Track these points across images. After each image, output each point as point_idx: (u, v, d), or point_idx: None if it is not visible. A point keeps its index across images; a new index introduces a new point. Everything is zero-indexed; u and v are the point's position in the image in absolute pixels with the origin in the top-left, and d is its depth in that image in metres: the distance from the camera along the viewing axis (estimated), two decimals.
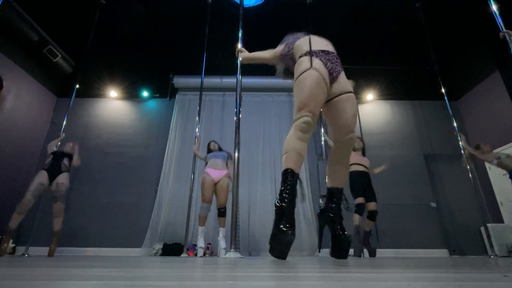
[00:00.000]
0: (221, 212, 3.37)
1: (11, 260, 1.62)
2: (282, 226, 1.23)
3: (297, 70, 1.50)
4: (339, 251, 1.46)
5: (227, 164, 3.60)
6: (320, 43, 1.61)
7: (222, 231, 3.32)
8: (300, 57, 1.55)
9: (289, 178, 1.29)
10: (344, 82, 1.52)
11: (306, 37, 1.65)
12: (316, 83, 1.40)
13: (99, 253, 4.43)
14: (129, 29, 4.82)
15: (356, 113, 1.51)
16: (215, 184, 3.43)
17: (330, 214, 1.52)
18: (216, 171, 3.45)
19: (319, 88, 1.40)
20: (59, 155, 3.45)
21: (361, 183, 3.45)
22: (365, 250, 3.45)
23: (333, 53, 1.57)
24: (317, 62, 1.47)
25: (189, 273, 0.70)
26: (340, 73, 1.52)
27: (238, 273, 0.72)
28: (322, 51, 1.53)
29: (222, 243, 3.27)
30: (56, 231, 3.14)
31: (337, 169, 1.53)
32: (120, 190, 4.89)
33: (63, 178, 3.29)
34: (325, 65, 1.49)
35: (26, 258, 2.46)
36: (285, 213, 1.24)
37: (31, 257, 2.91)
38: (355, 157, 3.63)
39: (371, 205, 3.36)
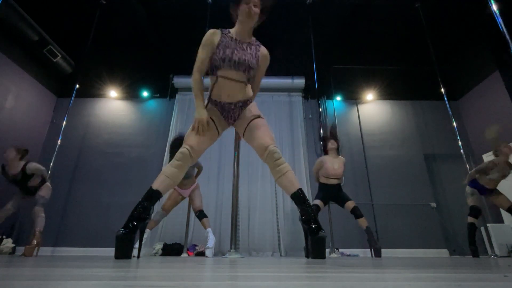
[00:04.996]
0: (198, 216, 3.30)
1: (11, 260, 1.62)
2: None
3: (196, 108, 1.72)
4: (315, 251, 1.46)
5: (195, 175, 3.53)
6: (225, 94, 1.70)
7: (206, 232, 3.27)
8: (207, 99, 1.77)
9: (147, 195, 1.60)
10: (247, 116, 1.72)
11: (213, 79, 1.74)
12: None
13: (99, 253, 4.43)
14: (129, 29, 4.82)
15: (264, 130, 1.66)
16: (183, 197, 3.40)
17: (302, 216, 1.55)
18: (185, 191, 3.39)
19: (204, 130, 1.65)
20: (21, 182, 3.08)
21: (331, 193, 3.50)
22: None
23: (232, 103, 1.70)
24: (211, 111, 1.73)
25: (189, 273, 0.70)
26: (238, 117, 1.75)
27: (238, 273, 0.72)
28: (220, 102, 1.72)
29: (208, 243, 3.24)
30: (35, 230, 3.08)
31: (282, 180, 1.59)
32: (120, 190, 4.89)
33: (40, 191, 3.14)
34: (221, 113, 1.74)
35: (26, 258, 2.46)
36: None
37: (31, 257, 2.91)
38: (327, 168, 3.48)
39: (348, 205, 3.37)
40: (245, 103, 1.74)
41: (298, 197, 1.55)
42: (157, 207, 4.65)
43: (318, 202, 3.40)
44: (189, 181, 3.40)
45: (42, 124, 5.23)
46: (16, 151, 3.09)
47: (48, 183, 3.30)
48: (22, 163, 3.09)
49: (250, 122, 1.69)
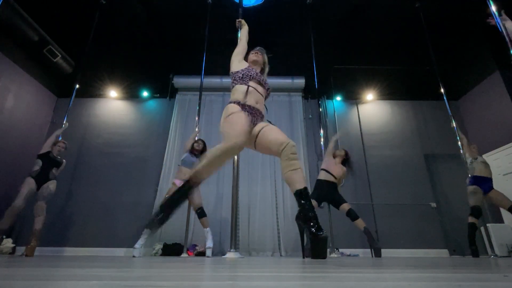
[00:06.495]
0: (199, 213, 3.34)
1: (11, 260, 1.62)
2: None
3: (227, 112, 1.76)
4: (316, 251, 1.46)
5: None
6: (252, 99, 1.85)
7: (206, 232, 3.31)
8: (231, 102, 1.84)
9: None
10: (259, 125, 1.81)
11: (244, 87, 1.88)
12: (245, 121, 1.72)
13: (99, 253, 4.43)
14: (129, 29, 4.82)
15: (280, 131, 1.75)
16: None
17: (302, 215, 1.55)
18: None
19: (247, 125, 1.72)
20: (48, 164, 3.48)
21: (326, 193, 3.50)
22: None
23: (259, 110, 1.87)
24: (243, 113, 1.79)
25: (189, 273, 0.70)
26: (258, 122, 1.84)
27: (238, 273, 0.72)
28: (249, 106, 1.82)
29: (208, 243, 3.26)
30: (36, 229, 3.13)
31: (291, 175, 1.61)
32: (120, 190, 4.89)
33: (50, 183, 3.38)
34: (247, 116, 1.80)
35: (26, 258, 2.46)
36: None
37: (31, 257, 2.91)
38: (329, 164, 3.62)
39: (344, 207, 3.38)
40: (263, 117, 1.93)
41: (302, 195, 1.56)
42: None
43: (345, 205, 3.40)
44: (188, 170, 3.43)
45: (42, 124, 5.23)
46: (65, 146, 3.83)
47: (55, 181, 3.52)
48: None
49: (263, 128, 1.77)
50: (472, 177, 3.64)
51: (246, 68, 1.97)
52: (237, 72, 1.96)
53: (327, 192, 3.50)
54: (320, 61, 4.70)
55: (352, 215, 3.32)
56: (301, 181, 1.59)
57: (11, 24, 4.10)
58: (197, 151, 3.66)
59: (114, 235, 4.58)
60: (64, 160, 3.74)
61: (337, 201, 3.45)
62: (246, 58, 2.15)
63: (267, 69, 2.17)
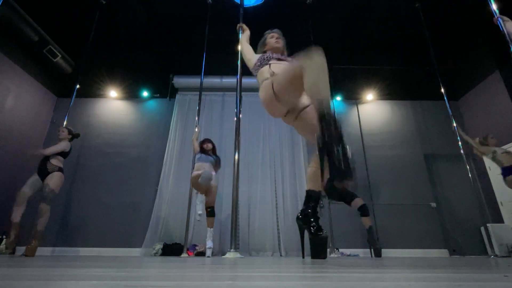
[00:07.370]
0: (209, 212, 3.39)
1: (11, 260, 1.62)
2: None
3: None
4: (316, 251, 1.46)
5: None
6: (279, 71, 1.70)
7: (210, 231, 3.34)
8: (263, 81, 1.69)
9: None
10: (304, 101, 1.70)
11: (266, 66, 1.74)
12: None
13: (99, 253, 4.43)
14: (129, 29, 4.82)
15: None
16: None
17: (302, 216, 1.55)
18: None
19: None
20: (45, 157, 3.33)
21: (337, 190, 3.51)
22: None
23: None
24: None
25: (189, 273, 0.70)
26: None
27: (238, 273, 0.72)
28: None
29: (208, 243, 3.28)
30: (37, 231, 3.08)
31: (315, 173, 1.54)
32: (120, 190, 4.89)
33: (48, 179, 3.19)
34: None
35: (26, 258, 2.46)
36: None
37: (31, 257, 2.90)
38: None
39: (357, 202, 3.38)
40: None
41: (313, 196, 1.54)
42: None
43: (358, 200, 3.38)
44: (207, 165, 3.56)
45: (42, 124, 5.23)
46: (68, 131, 3.52)
47: (61, 173, 3.32)
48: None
49: (306, 107, 1.60)
50: (503, 169, 3.47)
51: (261, 55, 1.84)
52: (255, 63, 1.82)
53: (339, 190, 3.50)
54: None
55: (364, 210, 3.32)
56: (321, 184, 1.55)
57: (11, 24, 4.09)
58: (208, 150, 3.69)
59: (115, 235, 4.58)
60: (64, 143, 3.39)
61: (350, 196, 3.45)
62: (264, 44, 2.00)
63: (286, 53, 1.99)
